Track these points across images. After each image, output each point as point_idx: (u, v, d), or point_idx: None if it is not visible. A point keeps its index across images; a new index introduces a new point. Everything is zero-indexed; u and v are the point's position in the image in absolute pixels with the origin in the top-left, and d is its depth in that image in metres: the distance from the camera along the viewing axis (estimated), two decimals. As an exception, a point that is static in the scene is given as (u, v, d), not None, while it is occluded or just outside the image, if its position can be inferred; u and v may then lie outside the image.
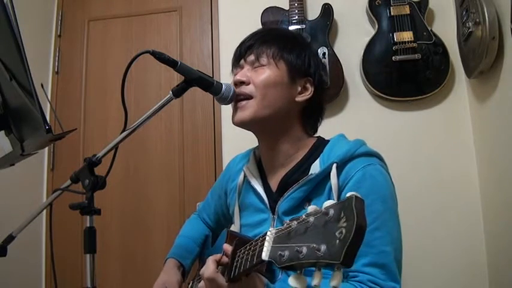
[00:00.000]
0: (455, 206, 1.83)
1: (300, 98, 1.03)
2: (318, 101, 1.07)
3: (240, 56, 1.07)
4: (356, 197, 0.49)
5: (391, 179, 0.98)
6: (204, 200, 1.34)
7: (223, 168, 1.99)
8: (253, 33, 1.09)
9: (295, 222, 0.56)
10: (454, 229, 1.81)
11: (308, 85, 1.04)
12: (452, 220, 1.82)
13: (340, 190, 0.92)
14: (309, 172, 0.97)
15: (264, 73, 1.00)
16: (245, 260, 0.70)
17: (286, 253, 0.55)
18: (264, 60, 1.02)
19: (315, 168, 0.97)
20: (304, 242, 0.52)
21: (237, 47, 1.09)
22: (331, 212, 0.51)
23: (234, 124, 1.03)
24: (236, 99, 1.02)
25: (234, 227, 1.13)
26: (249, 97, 1.00)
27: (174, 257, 1.20)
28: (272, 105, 0.99)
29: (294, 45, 1.05)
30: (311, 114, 1.08)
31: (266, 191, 1.05)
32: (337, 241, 0.47)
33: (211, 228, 1.30)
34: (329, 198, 0.93)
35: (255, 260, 0.65)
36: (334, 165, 0.93)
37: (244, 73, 1.03)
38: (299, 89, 1.03)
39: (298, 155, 1.04)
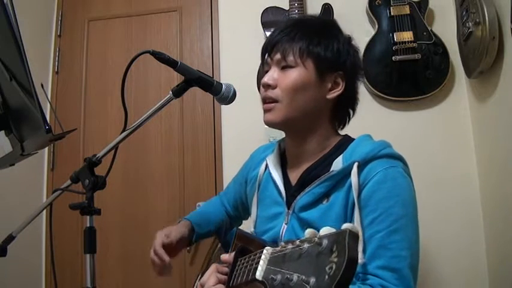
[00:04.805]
0: (455, 206, 1.82)
1: (331, 95, 0.99)
2: (351, 93, 1.03)
3: (266, 52, 1.04)
4: (350, 231, 0.48)
5: (413, 185, 0.96)
6: (226, 187, 1.36)
7: (223, 168, 2.03)
8: (279, 27, 1.04)
9: (290, 245, 0.56)
10: (454, 229, 1.81)
11: (339, 79, 1.00)
12: (452, 220, 1.82)
13: (360, 189, 0.90)
14: (330, 168, 0.96)
15: (291, 76, 0.98)
16: (243, 272, 0.72)
17: (278, 277, 0.55)
18: (291, 60, 0.98)
19: (337, 164, 0.95)
20: (295, 271, 0.52)
21: (264, 43, 1.05)
22: (325, 242, 0.50)
23: (265, 124, 1.02)
24: (263, 101, 1.01)
25: (251, 218, 1.14)
26: (275, 101, 0.99)
27: (189, 219, 1.21)
28: (301, 107, 0.98)
29: (320, 38, 0.99)
30: (342, 109, 1.04)
31: (285, 184, 1.04)
32: (326, 277, 0.47)
33: (229, 214, 1.31)
34: (348, 196, 0.92)
35: (250, 276, 0.68)
36: (356, 164, 0.91)
37: (271, 75, 1.00)
38: (329, 85, 0.99)
39: (323, 152, 1.02)
